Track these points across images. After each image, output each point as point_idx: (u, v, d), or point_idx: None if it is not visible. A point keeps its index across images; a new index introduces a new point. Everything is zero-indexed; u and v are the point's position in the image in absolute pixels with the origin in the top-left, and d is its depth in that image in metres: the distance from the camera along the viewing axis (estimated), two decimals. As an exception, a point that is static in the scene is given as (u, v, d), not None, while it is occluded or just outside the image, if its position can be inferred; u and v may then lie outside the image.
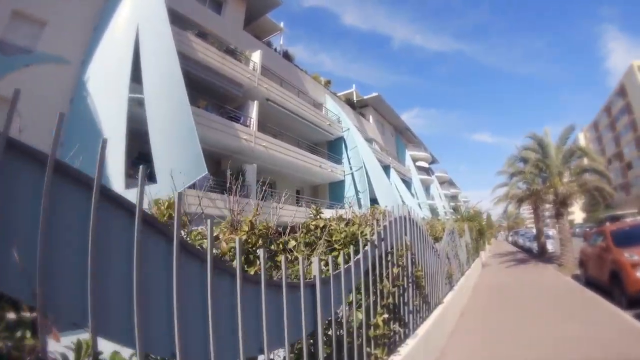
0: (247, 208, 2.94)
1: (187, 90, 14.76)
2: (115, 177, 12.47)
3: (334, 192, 25.54)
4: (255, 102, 20.96)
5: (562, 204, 16.31)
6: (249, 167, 19.19)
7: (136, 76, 13.99)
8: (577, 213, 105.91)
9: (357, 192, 24.24)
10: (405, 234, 4.11)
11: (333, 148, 27.25)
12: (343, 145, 26.89)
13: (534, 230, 48.60)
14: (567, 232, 16.35)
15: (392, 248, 3.58)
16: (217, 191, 14.02)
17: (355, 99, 37.42)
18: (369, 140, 35.68)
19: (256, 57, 22.61)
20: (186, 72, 17.37)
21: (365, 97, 38.35)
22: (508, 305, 9.34)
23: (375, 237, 3.20)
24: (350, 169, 25.56)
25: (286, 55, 28.67)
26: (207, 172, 13.37)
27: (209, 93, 19.93)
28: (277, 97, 22.50)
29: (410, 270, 4.07)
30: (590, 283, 11.10)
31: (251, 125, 20.33)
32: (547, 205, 26.66)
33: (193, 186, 14.63)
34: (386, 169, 34.49)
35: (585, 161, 17.65)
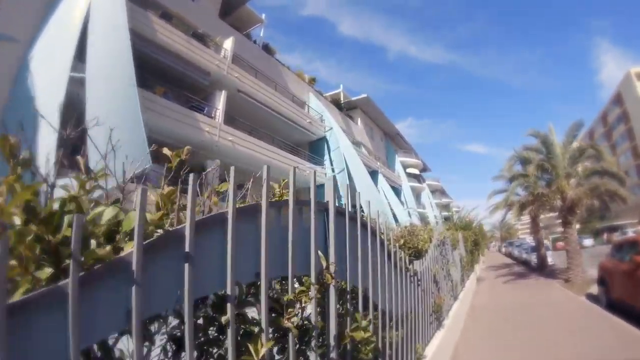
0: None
1: (145, 75, 13.66)
2: (46, 163, 10.65)
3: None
4: (223, 92, 18.70)
5: (569, 211, 14.09)
6: (211, 164, 16.84)
7: (82, 55, 12.46)
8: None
9: (339, 197, 21.83)
10: (328, 248, 1.78)
11: (315, 149, 24.92)
12: (325, 146, 24.55)
13: (529, 241, 46.72)
14: (575, 243, 14.13)
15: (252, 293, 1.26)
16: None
17: (342, 100, 35.25)
18: (357, 144, 33.53)
19: (228, 44, 20.38)
20: (144, 54, 15.85)
21: (353, 98, 36.21)
22: (517, 339, 6.99)
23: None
24: (333, 171, 23.18)
25: (266, 48, 26.44)
26: (150, 163, 11.24)
27: (171, 80, 17.74)
28: (250, 89, 20.21)
29: (334, 334, 1.72)
30: (615, 307, 8.81)
31: (216, 116, 18.01)
32: (549, 215, 24.52)
33: (143, 180, 12.50)
34: (374, 174, 32.32)
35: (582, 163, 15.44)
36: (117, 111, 11.82)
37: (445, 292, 5.95)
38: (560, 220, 15.18)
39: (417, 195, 45.70)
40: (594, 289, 12.35)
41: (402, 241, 4.12)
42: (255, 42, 25.53)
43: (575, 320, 8.15)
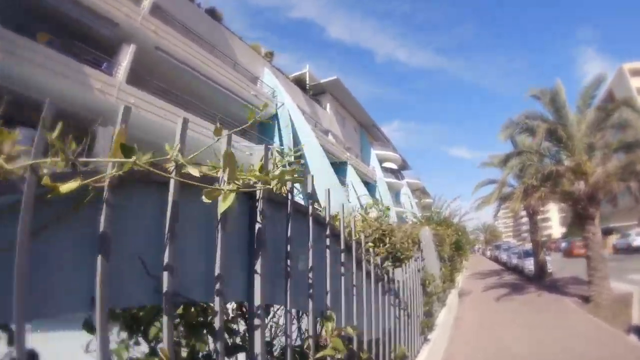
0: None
1: (28, 19, 11.54)
2: None
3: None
4: (132, 46, 14.15)
5: (590, 200, 9.91)
6: (102, 131, 12.30)
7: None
8: (555, 227, 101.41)
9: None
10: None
11: (265, 130, 20.44)
12: (276, 125, 20.06)
13: (517, 244, 42.81)
14: (599, 245, 9.96)
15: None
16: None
17: (308, 82, 30.84)
18: (325, 132, 29.22)
19: (149, -5, 15.83)
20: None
21: (322, 80, 31.86)
22: None
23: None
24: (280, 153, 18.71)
25: (211, 13, 21.96)
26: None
27: (65, 28, 13.26)
28: (172, 47, 15.66)
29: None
30: None
31: (117, 74, 13.48)
32: (547, 216, 20.55)
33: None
34: (342, 165, 28.08)
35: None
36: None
37: None
38: (572, 215, 10.96)
39: (395, 193, 41.57)
40: (637, 316, 8.23)
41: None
42: (199, 5, 21.19)
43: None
